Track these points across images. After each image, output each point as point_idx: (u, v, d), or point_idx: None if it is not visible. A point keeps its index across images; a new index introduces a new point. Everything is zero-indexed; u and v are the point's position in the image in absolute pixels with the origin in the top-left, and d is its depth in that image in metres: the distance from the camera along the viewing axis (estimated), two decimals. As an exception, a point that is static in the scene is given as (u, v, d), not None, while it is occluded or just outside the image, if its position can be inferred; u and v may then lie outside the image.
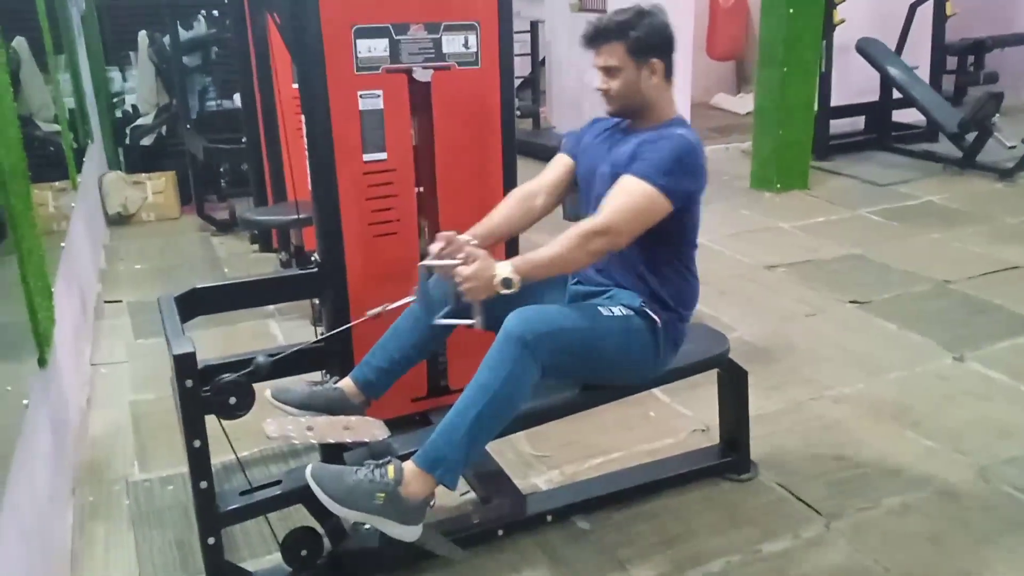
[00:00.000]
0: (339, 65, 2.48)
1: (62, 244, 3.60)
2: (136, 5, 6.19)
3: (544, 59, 8.07)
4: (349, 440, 2.11)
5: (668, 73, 2.23)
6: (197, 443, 1.98)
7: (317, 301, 3.22)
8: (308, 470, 1.97)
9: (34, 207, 2.76)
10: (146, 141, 6.17)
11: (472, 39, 2.63)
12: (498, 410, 2.00)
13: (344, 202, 2.58)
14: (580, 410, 2.38)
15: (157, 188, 5.84)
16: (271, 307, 3.95)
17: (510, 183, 2.81)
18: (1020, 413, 2.93)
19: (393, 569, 2.21)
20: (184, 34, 5.88)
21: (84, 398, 3.25)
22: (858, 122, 7.00)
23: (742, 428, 2.60)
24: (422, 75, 2.60)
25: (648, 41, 2.17)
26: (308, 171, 2.64)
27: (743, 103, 8.52)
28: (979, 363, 3.28)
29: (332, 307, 2.68)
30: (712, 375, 2.58)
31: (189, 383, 1.96)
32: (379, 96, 2.55)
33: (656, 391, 2.93)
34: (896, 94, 6.63)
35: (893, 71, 6.53)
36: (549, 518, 2.38)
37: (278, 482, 2.10)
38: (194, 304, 2.51)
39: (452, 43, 2.61)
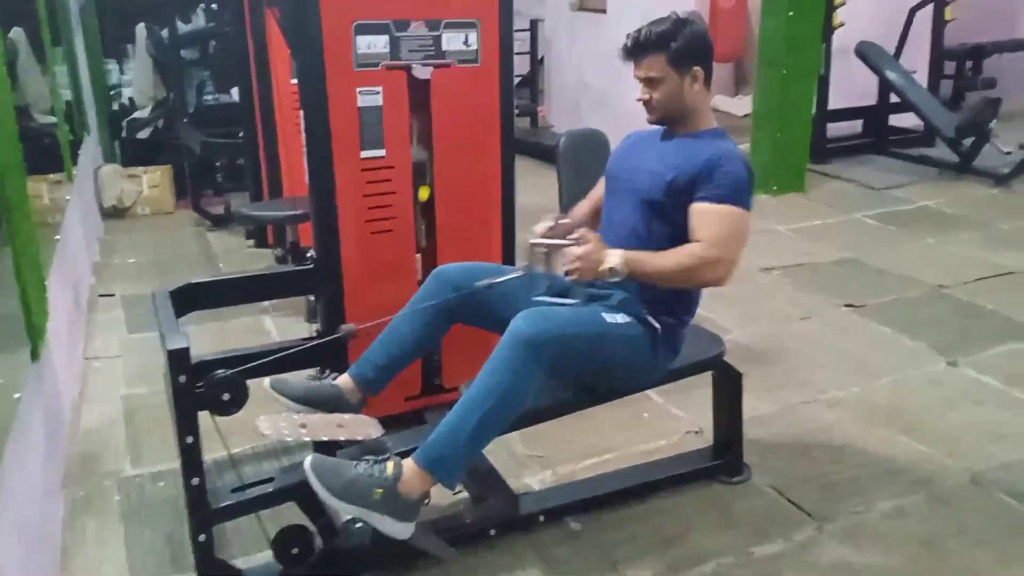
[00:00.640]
0: (338, 61, 2.47)
1: (56, 237, 3.59)
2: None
3: (543, 58, 8.07)
4: (343, 438, 2.10)
5: (708, 79, 2.26)
6: (189, 439, 1.97)
7: (312, 297, 3.22)
8: (307, 461, 1.97)
9: (29, 199, 2.76)
10: (142, 134, 6.16)
11: (472, 37, 2.62)
12: (502, 411, 2.01)
13: (341, 198, 2.58)
14: (575, 411, 2.38)
15: (153, 182, 5.83)
16: (265, 303, 3.94)
17: (508, 181, 2.81)
18: (1013, 418, 2.93)
19: (384, 568, 2.21)
20: (182, 27, 5.87)
21: (77, 392, 3.24)
22: (856, 125, 7.01)
23: (736, 430, 2.60)
24: (422, 72, 2.59)
25: (689, 50, 2.20)
26: (305, 167, 2.63)
27: (742, 104, 8.51)
28: (972, 368, 3.29)
29: (328, 304, 2.67)
30: (707, 376, 2.58)
31: (183, 379, 1.96)
32: (378, 93, 2.55)
33: (651, 392, 2.93)
34: (894, 98, 6.63)
35: (891, 75, 6.53)
36: (542, 518, 2.38)
37: (270, 479, 2.09)
38: (189, 299, 2.51)
39: (452, 40, 2.61)
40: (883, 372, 3.29)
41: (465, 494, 2.49)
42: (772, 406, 3.03)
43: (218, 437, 2.10)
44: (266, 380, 2.22)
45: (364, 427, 2.14)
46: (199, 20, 6.14)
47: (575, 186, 4.96)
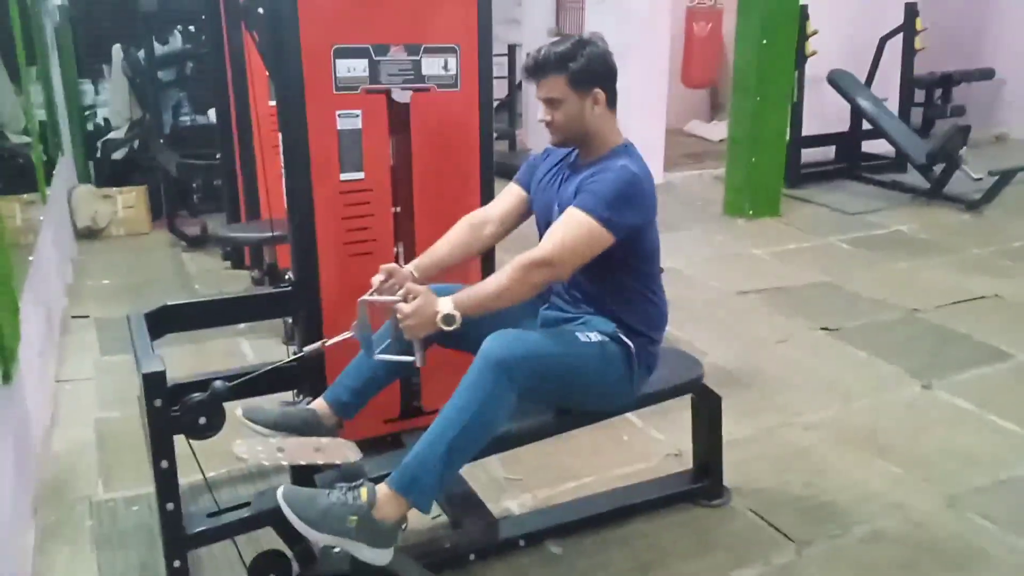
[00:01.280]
0: (318, 84, 2.47)
1: (30, 258, 3.54)
2: (111, 18, 6.15)
3: (521, 82, 8.12)
4: (320, 462, 2.08)
5: (611, 102, 2.22)
6: (165, 463, 1.95)
7: (290, 319, 3.20)
8: (279, 492, 1.94)
9: (2, 219, 2.72)
10: (117, 155, 6.11)
11: (452, 62, 2.64)
12: (475, 434, 1.99)
13: (320, 221, 2.57)
14: (554, 434, 2.37)
15: (128, 202, 5.78)
16: (242, 325, 3.90)
17: (487, 203, 2.81)
18: (987, 441, 2.96)
19: (362, 594, 2.18)
20: (159, 48, 5.85)
21: (49, 415, 3.18)
22: (829, 151, 7.12)
23: (715, 453, 2.60)
24: (401, 96, 2.60)
25: (589, 71, 2.16)
26: (283, 189, 2.62)
27: (717, 130, 8.63)
28: (947, 391, 3.32)
29: (305, 327, 2.65)
30: (686, 399, 2.58)
31: (158, 403, 1.93)
32: (358, 116, 2.55)
33: (630, 415, 2.93)
34: (866, 125, 6.75)
35: (863, 103, 6.65)
36: (522, 543, 2.36)
37: (247, 504, 2.06)
38: (164, 321, 2.48)
39: (432, 65, 2.62)
40: (859, 395, 3.31)
41: (444, 518, 2.48)
42: (749, 429, 3.04)
43: (194, 461, 2.07)
44: (238, 408, 2.18)
45: (342, 450, 2.12)
46: (176, 41, 6.12)
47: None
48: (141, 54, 5.77)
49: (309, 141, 2.50)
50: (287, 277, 2.72)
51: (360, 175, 2.59)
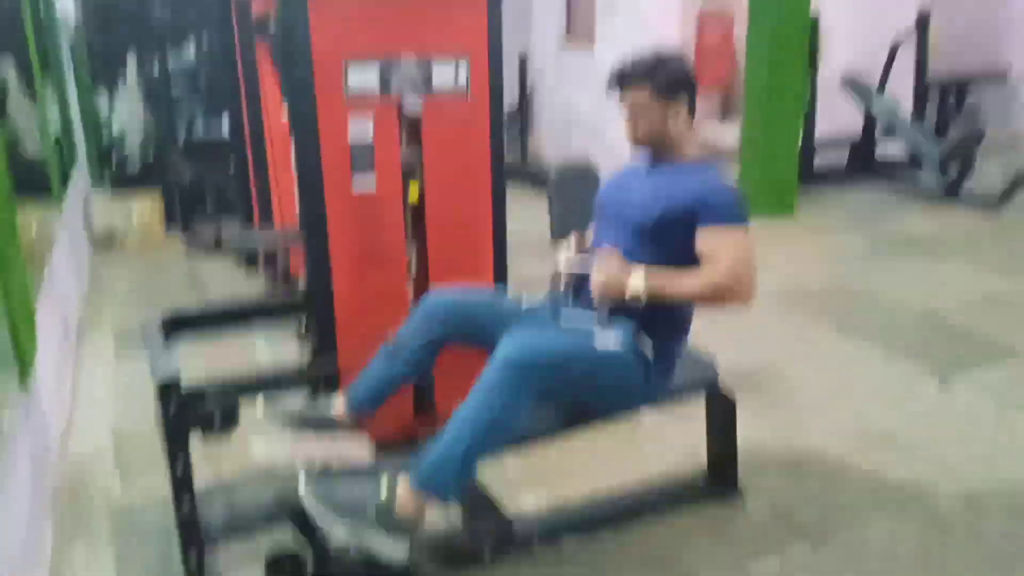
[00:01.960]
0: (329, 95, 2.48)
1: (46, 267, 3.57)
2: (125, 29, 6.20)
3: (532, 91, 8.15)
4: (335, 461, 2.09)
5: (691, 111, 2.33)
6: (180, 467, 1.95)
7: (304, 319, 3.21)
8: (301, 483, 1.96)
9: (18, 230, 2.75)
10: (132, 165, 6.16)
11: (463, 71, 2.64)
12: (492, 434, 1.99)
13: (332, 230, 2.57)
14: (569, 434, 2.37)
15: (142, 212, 5.83)
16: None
17: (499, 213, 2.81)
18: (1005, 440, 2.94)
19: (377, 595, 2.18)
20: (173, 59, 5.90)
21: (65, 421, 3.20)
22: (843, 153, 7.09)
23: (730, 453, 2.59)
24: (412, 106, 2.61)
25: (673, 81, 2.27)
26: (296, 197, 2.63)
27: (729, 132, 8.61)
28: (965, 390, 3.30)
29: (319, 334, 2.66)
30: (700, 399, 2.57)
31: (173, 409, 1.94)
32: (369, 126, 2.56)
33: (645, 415, 2.91)
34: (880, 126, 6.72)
35: (877, 107, 6.63)
36: (536, 541, 2.36)
37: (263, 503, 2.07)
38: (178, 328, 2.50)
39: (442, 75, 2.62)
40: (875, 395, 3.29)
41: (459, 516, 2.47)
42: (765, 430, 3.03)
43: (210, 461, 2.08)
44: (256, 406, 2.21)
45: (357, 450, 2.12)
46: (190, 52, 6.17)
47: (565, 215, 5.02)
48: (155, 65, 5.82)
49: (321, 151, 2.51)
50: (300, 286, 2.73)
51: (372, 185, 2.60)
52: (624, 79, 2.30)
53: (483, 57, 2.66)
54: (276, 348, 3.80)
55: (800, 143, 6.01)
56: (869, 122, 6.81)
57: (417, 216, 2.73)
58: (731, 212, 2.21)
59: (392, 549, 1.95)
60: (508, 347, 2.02)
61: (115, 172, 6.17)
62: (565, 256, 2.34)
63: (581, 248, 2.36)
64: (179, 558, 2.01)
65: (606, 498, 2.60)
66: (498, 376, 1.99)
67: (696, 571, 2.28)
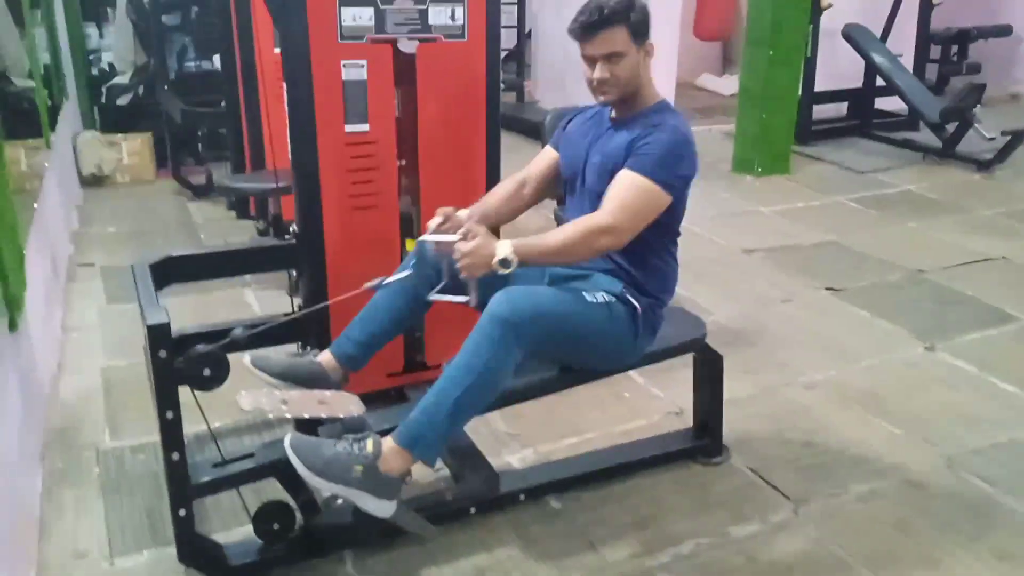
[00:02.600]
0: (323, 33, 2.44)
1: (35, 204, 3.53)
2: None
3: (530, 31, 8.00)
4: (324, 415, 2.10)
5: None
6: (170, 414, 1.96)
7: (295, 272, 3.20)
8: (287, 440, 1.97)
9: (6, 165, 2.71)
10: (122, 101, 6.05)
11: (459, 11, 2.59)
12: (480, 391, 2.00)
13: (324, 174, 2.55)
14: (557, 390, 2.38)
15: (132, 149, 5.75)
16: (247, 276, 3.91)
17: (493, 157, 2.79)
18: (987, 403, 2.97)
19: (365, 545, 2.21)
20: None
21: (55, 362, 3.21)
22: (841, 108, 7.02)
23: (716, 412, 2.61)
24: (407, 46, 2.56)
25: (645, 22, 2.16)
26: (288, 139, 2.60)
27: (728, 84, 8.52)
28: (949, 353, 3.33)
29: (310, 280, 2.65)
30: (687, 357, 2.59)
31: (163, 354, 1.94)
32: (363, 66, 2.52)
33: (631, 372, 2.93)
34: (879, 81, 6.65)
35: (877, 58, 6.54)
36: (522, 497, 2.39)
37: (251, 455, 2.09)
38: (168, 272, 2.48)
39: (439, 15, 2.58)
40: (861, 355, 3.32)
41: (446, 472, 2.50)
42: (751, 388, 3.06)
43: (198, 411, 2.09)
44: (246, 356, 2.21)
45: (346, 404, 2.13)
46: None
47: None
48: (145, -2, 5.69)
49: (314, 92, 2.47)
50: (292, 229, 2.72)
51: (365, 127, 2.57)
52: (602, 22, 2.10)
53: (480, -4, 2.61)
54: (266, 295, 3.80)
55: (799, 95, 5.95)
56: (869, 76, 6.73)
57: (410, 160, 2.70)
58: (649, 163, 2.10)
59: (378, 506, 1.98)
60: (498, 303, 2.02)
61: (105, 108, 6.07)
62: (433, 224, 2.20)
63: (453, 218, 2.21)
64: (168, 505, 2.03)
65: (591, 454, 2.63)
66: (488, 333, 1.99)
67: (679, 530, 2.32)
